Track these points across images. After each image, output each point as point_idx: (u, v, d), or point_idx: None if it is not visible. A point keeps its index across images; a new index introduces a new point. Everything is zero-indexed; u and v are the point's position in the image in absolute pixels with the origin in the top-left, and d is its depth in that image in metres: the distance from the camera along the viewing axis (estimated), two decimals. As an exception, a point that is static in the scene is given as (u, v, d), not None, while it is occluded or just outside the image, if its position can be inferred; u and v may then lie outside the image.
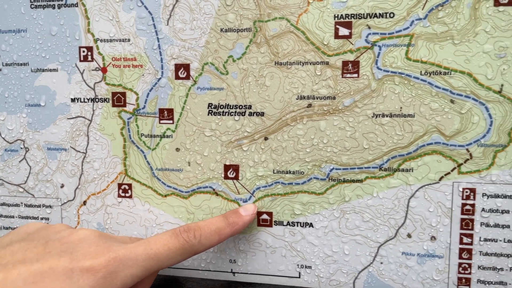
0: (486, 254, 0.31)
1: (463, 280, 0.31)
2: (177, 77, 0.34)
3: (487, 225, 0.31)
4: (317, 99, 0.32)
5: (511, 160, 0.30)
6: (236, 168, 0.34)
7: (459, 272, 0.31)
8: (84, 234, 0.26)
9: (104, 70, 0.35)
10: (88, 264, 0.23)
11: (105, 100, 0.35)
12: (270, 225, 0.34)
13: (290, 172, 0.33)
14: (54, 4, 0.35)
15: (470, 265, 0.31)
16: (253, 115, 0.33)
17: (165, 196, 0.35)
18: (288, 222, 0.34)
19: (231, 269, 0.35)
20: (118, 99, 0.35)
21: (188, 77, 0.34)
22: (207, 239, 0.28)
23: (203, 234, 0.28)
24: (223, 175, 0.34)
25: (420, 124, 0.31)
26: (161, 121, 0.34)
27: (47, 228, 0.27)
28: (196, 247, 0.28)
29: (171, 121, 0.34)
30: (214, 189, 0.34)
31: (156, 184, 0.35)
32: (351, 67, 0.31)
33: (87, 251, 0.24)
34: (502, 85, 0.29)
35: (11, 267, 0.23)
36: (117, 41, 0.34)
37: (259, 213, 0.34)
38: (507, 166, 0.30)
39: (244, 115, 0.33)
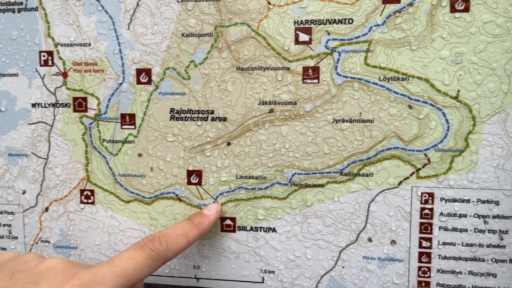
0: (445, 257, 0.31)
1: (423, 284, 0.32)
2: (139, 82, 0.34)
3: (446, 229, 0.31)
4: (278, 104, 0.32)
5: (468, 164, 0.30)
6: (199, 174, 0.34)
7: (419, 276, 0.32)
8: (51, 263, 0.25)
9: (65, 75, 0.34)
10: None
11: (66, 105, 0.34)
12: (234, 231, 0.34)
13: (253, 177, 0.33)
14: (14, 8, 0.34)
15: (429, 269, 0.32)
16: (215, 120, 0.33)
17: (128, 202, 0.35)
18: (251, 227, 0.34)
19: (195, 275, 0.35)
20: (80, 104, 0.34)
21: (149, 82, 0.33)
22: (174, 244, 0.28)
23: (169, 240, 0.28)
24: (186, 181, 0.34)
25: (379, 129, 0.31)
26: (123, 127, 0.34)
27: (15, 259, 0.26)
28: (164, 254, 0.27)
29: (133, 127, 0.34)
30: (177, 195, 0.34)
31: (118, 190, 0.35)
32: (311, 73, 0.31)
33: (52, 281, 0.23)
34: (458, 91, 0.30)
35: None
36: (77, 45, 0.34)
37: (223, 219, 0.34)
38: (464, 171, 0.30)
39: (207, 120, 0.33)
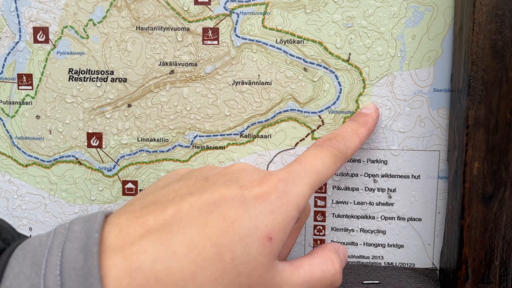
0: (338, 216, 0.33)
1: (318, 242, 0.33)
2: (36, 41, 0.32)
3: (338, 188, 0.32)
4: (179, 65, 0.32)
5: (359, 125, 0.31)
6: (99, 136, 0.33)
7: (314, 234, 0.33)
8: (241, 165, 0.24)
9: (-44, 31, 0.33)
10: (258, 191, 0.22)
11: (-43, 64, 0.33)
12: (136, 194, 0.34)
13: (154, 139, 0.33)
14: None
15: (324, 227, 0.33)
16: (115, 81, 0.32)
17: (26, 166, 0.34)
18: (154, 190, 0.33)
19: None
20: (-27, 64, 0.33)
21: (47, 41, 0.32)
22: (349, 141, 0.27)
23: (344, 138, 0.27)
24: (86, 144, 0.33)
25: (276, 92, 0.32)
26: (20, 87, 0.33)
27: (197, 169, 0.26)
28: (344, 151, 0.27)
29: (30, 87, 0.33)
30: (77, 158, 0.33)
31: (16, 153, 0.34)
32: (211, 34, 0.32)
33: (252, 178, 0.23)
34: (350, 54, 0.31)
35: (180, 200, 0.21)
36: (-30, 1, 0.32)
37: (124, 182, 0.34)
38: (355, 132, 0.32)
39: (106, 81, 0.32)
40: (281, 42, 0.31)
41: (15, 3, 0.32)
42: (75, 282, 0.18)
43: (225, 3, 0.31)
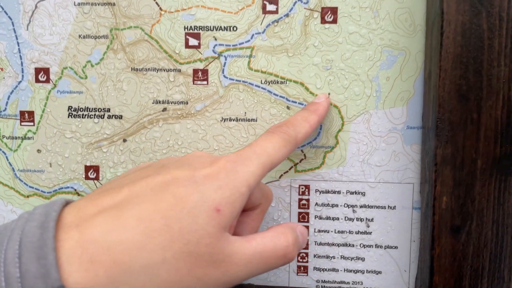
0: (320, 244, 0.35)
1: (302, 268, 0.35)
2: (38, 81, 0.35)
3: (320, 218, 0.34)
4: (171, 103, 0.34)
5: (338, 159, 0.34)
6: (96, 169, 0.35)
7: (298, 261, 0.35)
8: (197, 153, 0.26)
9: (-37, 72, 0.35)
10: (208, 170, 0.24)
11: (-36, 101, 0.35)
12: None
13: (148, 172, 0.35)
14: None
15: (307, 254, 0.35)
16: (111, 118, 0.35)
17: (28, 196, 0.36)
18: (147, 219, 0.36)
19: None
20: (-21, 101, 0.35)
21: (48, 80, 0.35)
22: (299, 127, 0.29)
23: (294, 123, 0.29)
24: (84, 176, 0.35)
25: (262, 128, 0.34)
26: (22, 123, 0.35)
27: (157, 161, 0.28)
28: (294, 135, 0.28)
29: (32, 123, 0.35)
30: (75, 190, 0.36)
31: (18, 185, 0.36)
32: (201, 75, 0.34)
33: (204, 161, 0.25)
34: (329, 94, 0.33)
35: (135, 183, 0.23)
36: (-24, 43, 0.35)
37: (120, 212, 0.36)
38: (335, 165, 0.34)
39: (103, 118, 0.35)
40: (265, 82, 0.34)
41: (18, 46, 0.35)
42: (31, 253, 0.20)
43: (214, 47, 0.34)
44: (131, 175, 0.25)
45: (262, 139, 0.27)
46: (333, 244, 0.35)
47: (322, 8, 0.32)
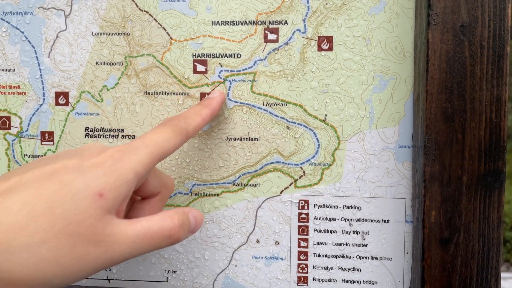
0: (319, 255, 0.37)
1: (302, 279, 0.37)
2: (57, 104, 0.38)
3: (319, 231, 0.37)
4: (180, 124, 0.37)
5: (335, 176, 0.36)
6: (110, 185, 0.38)
7: (298, 272, 0.37)
8: (91, 144, 0.28)
9: (-10, 96, 0.38)
10: (95, 159, 0.25)
11: (-10, 123, 0.38)
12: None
13: (158, 188, 0.38)
14: None
15: (307, 265, 0.37)
16: (125, 138, 0.38)
17: (46, 210, 0.39)
18: (157, 232, 0.38)
19: (107, 277, 0.39)
20: (4, 123, 0.38)
21: (67, 103, 0.38)
22: (191, 119, 0.31)
23: (186, 117, 0.31)
24: (99, 191, 0.38)
25: (264, 146, 0.37)
26: (43, 143, 0.38)
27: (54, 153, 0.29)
28: (185, 127, 0.30)
29: (51, 143, 0.38)
30: (91, 204, 0.38)
31: (38, 200, 0.39)
32: (207, 98, 0.37)
33: (93, 152, 0.26)
34: (326, 115, 0.36)
35: (25, 171, 0.25)
36: (3, 70, 0.38)
37: (132, 225, 0.38)
38: (332, 181, 0.36)
39: (118, 137, 0.38)
40: (267, 104, 0.36)
41: (40, 72, 0.38)
42: None
43: (220, 73, 0.36)
44: (26, 166, 0.27)
45: (153, 131, 0.29)
46: (331, 256, 0.37)
47: (319, 37, 0.35)
